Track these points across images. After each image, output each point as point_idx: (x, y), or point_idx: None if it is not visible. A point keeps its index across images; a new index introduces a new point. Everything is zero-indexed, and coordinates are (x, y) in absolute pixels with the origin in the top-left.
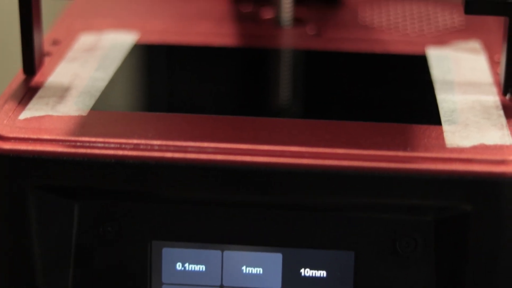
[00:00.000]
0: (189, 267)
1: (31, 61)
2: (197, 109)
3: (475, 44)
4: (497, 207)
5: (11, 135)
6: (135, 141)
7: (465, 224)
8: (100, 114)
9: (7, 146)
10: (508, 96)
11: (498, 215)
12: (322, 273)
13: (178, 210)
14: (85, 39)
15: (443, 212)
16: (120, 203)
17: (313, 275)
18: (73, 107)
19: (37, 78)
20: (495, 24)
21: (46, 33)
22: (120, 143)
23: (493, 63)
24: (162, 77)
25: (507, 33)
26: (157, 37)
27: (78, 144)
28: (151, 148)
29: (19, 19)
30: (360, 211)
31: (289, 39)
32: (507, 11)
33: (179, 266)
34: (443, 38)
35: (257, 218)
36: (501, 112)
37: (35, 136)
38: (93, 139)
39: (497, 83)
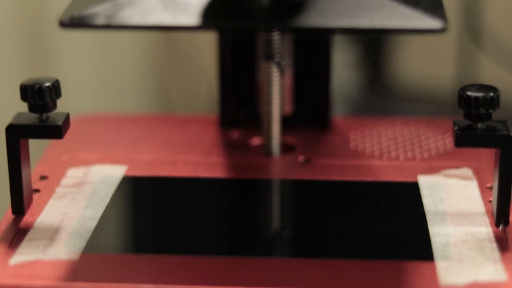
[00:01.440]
0: None
1: (20, 202)
2: (188, 248)
3: (467, 171)
4: None
5: (2, 282)
6: (126, 285)
7: None
8: (91, 257)
9: None
10: (500, 227)
11: None
12: None
13: None
14: (72, 174)
15: None
16: None
17: None
18: (64, 250)
19: (26, 219)
20: (486, 149)
21: (33, 167)
22: None
23: (485, 191)
24: (152, 214)
25: (498, 164)
26: (145, 168)
27: None
28: None
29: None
30: None
31: (279, 167)
32: (497, 143)
33: None
34: (435, 163)
35: None
36: (494, 245)
37: (27, 283)
38: (84, 284)
39: (489, 212)
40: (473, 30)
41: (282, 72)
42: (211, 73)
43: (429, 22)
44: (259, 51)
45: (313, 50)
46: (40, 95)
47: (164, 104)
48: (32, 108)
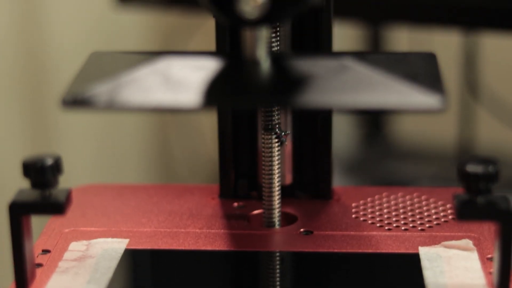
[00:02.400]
0: None
1: (23, 277)
2: None
3: (467, 242)
4: None
5: None
6: None
7: None
8: None
9: None
10: None
11: None
12: None
13: None
14: (74, 247)
15: None
16: None
17: None
18: None
19: None
20: None
21: (35, 239)
22: None
23: (486, 262)
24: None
25: (499, 237)
26: (146, 241)
27: None
28: None
29: (10, 237)
30: None
31: (280, 239)
32: (498, 217)
33: None
34: (436, 234)
35: None
36: None
37: None
38: None
39: (490, 284)
40: (472, 86)
41: (282, 143)
42: (211, 144)
43: (428, 102)
44: (259, 122)
45: (313, 121)
46: (42, 173)
47: (166, 175)
48: (34, 185)
